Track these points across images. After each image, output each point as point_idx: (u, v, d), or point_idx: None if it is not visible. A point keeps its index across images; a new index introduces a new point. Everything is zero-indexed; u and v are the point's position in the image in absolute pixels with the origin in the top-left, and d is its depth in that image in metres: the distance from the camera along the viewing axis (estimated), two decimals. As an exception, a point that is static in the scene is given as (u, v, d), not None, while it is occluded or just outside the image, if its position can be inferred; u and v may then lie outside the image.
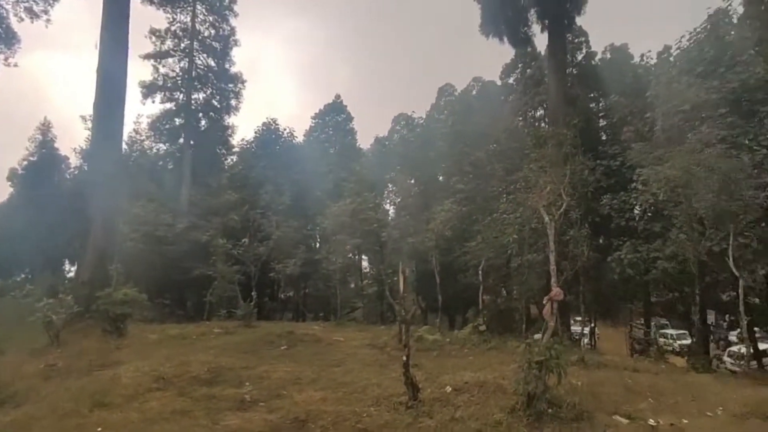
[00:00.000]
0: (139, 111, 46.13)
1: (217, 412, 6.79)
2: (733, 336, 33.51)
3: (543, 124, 31.32)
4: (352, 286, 32.34)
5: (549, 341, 6.40)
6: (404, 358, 6.72)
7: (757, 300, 18.22)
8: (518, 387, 6.41)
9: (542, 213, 7.07)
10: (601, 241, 20.74)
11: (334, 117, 37.80)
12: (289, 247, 24.38)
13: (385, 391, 7.62)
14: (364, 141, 43.52)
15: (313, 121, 37.44)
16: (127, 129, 37.59)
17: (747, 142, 15.59)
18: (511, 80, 44.18)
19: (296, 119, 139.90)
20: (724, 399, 7.96)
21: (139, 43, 34.35)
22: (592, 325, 34.58)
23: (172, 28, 33.58)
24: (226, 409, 6.91)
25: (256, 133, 33.55)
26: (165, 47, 33.84)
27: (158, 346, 11.96)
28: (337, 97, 38.04)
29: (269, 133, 33.25)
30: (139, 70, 39.48)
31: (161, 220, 23.70)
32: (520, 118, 38.83)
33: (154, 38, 33.44)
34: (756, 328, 18.67)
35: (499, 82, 44.88)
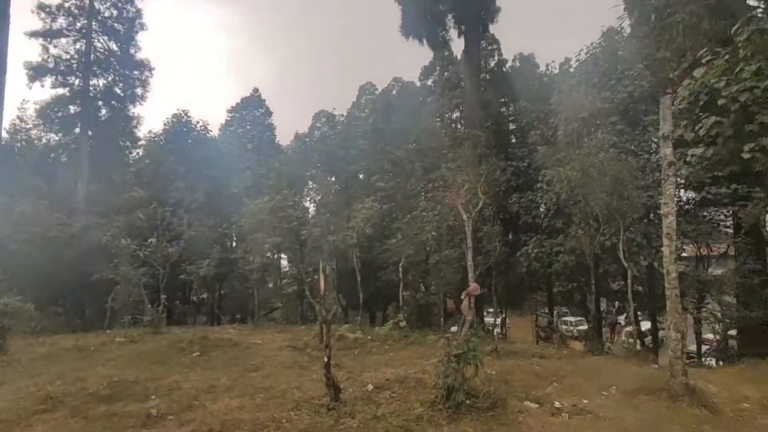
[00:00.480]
0: (25, 96, 40.77)
1: (117, 432, 6.14)
2: (621, 320, 37.63)
3: (459, 126, 32.61)
4: (271, 285, 31.25)
5: (467, 334, 6.59)
6: (325, 358, 6.56)
7: (640, 288, 20.51)
8: (438, 381, 6.53)
9: (460, 210, 7.27)
10: (510, 237, 22.10)
11: (252, 111, 36.18)
12: (203, 247, 22.97)
13: (306, 393, 7.40)
14: (284, 137, 42.34)
15: (230, 114, 35.55)
16: (9, 115, 33.19)
17: (633, 147, 17.44)
18: (429, 82, 45.52)
19: (214, 112, 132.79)
20: (616, 378, 8.76)
21: (25, 17, 30.36)
22: (503, 315, 36.79)
23: (66, 5, 30.02)
24: (129, 427, 6.26)
25: (165, 125, 31.03)
26: (57, 26, 30.18)
27: (48, 361, 10.61)
28: (255, 90, 36.48)
29: (180, 125, 30.96)
30: (23, 49, 34.87)
31: (54, 219, 21.12)
32: (438, 120, 40.10)
33: (43, 14, 29.72)
34: (639, 312, 21.05)
35: (418, 84, 46.04)
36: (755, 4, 14.29)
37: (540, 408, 7.07)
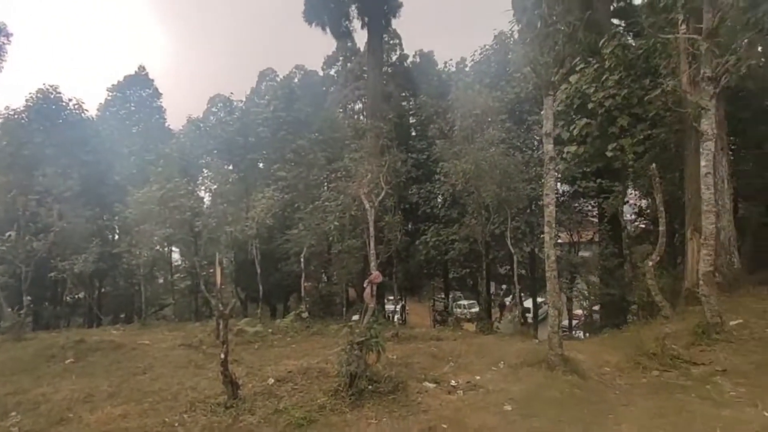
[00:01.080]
0: None
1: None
2: (508, 300, 41.18)
3: (362, 117, 32.81)
4: (161, 281, 28.80)
5: (369, 321, 6.65)
6: (222, 355, 6.18)
7: (524, 271, 22.57)
8: (341, 369, 6.51)
9: (363, 200, 7.29)
10: (410, 226, 22.88)
11: (137, 91, 32.57)
12: (80, 241, 20.32)
13: (202, 393, 6.93)
14: (176, 122, 39.02)
15: (110, 93, 31.60)
16: None
17: (519, 144, 19.00)
18: (332, 72, 45.08)
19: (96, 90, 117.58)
20: (504, 354, 9.51)
21: None
22: (403, 302, 38.09)
23: None
24: (-20, 451, 5.34)
25: (27, 101, 26.61)
26: None
27: None
28: (141, 68, 32.85)
29: (48, 102, 26.80)
30: None
31: None
32: (341, 110, 39.88)
33: None
34: (523, 293, 23.20)
35: (321, 73, 45.28)
36: (618, 22, 16.39)
37: (438, 387, 7.42)
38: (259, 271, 16.44)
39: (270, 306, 26.28)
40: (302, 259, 15.38)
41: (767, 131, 13.02)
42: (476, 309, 32.02)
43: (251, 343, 10.45)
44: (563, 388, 6.80)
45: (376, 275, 6.47)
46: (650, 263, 7.97)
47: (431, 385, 7.44)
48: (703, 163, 8.64)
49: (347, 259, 19.00)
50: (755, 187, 14.61)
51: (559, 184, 19.60)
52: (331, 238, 15.89)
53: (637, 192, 19.44)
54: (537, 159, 17.23)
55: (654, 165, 8.24)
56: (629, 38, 13.31)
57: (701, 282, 8.45)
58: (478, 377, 7.93)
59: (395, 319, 29.79)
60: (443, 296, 26.84)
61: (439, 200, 22.72)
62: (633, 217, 21.15)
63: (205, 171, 24.55)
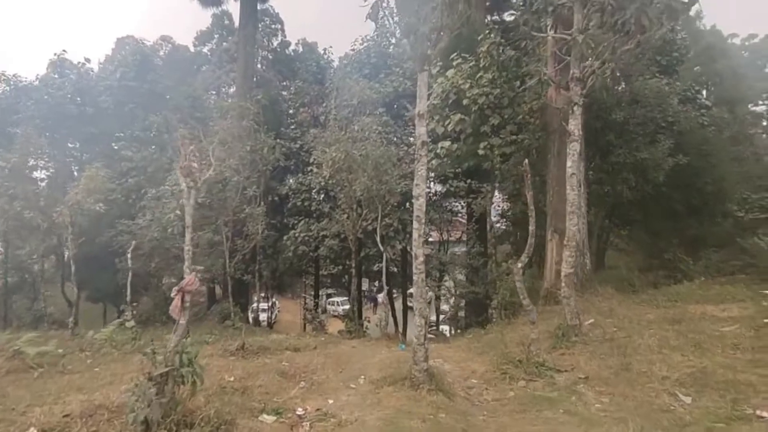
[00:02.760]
0: None
1: None
2: (380, 297, 41.08)
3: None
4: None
5: (178, 344, 4.71)
6: None
7: (396, 269, 21.99)
8: (129, 415, 4.47)
9: (180, 179, 5.32)
10: (280, 220, 20.71)
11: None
12: None
13: None
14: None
15: None
16: None
17: (395, 139, 18.20)
18: (205, 50, 40.52)
19: None
20: (366, 366, 8.23)
21: None
22: (273, 300, 35.55)
23: None
24: None
25: None
26: None
27: None
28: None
29: None
30: None
31: None
32: (214, 92, 36.01)
33: None
34: (394, 291, 22.66)
35: (192, 49, 40.52)
36: (493, 18, 16.44)
37: (278, 420, 5.74)
38: (74, 269, 12.66)
39: (118, 309, 21.91)
40: (128, 255, 12.22)
41: (614, 141, 13.88)
42: (348, 306, 31.09)
43: (32, 369, 7.54)
44: (427, 413, 5.64)
45: (189, 280, 4.59)
46: (519, 264, 7.29)
47: (270, 419, 5.74)
48: (569, 163, 8.32)
49: (209, 254, 16.22)
50: (598, 194, 15.72)
51: (432, 183, 19.32)
52: (170, 230, 13.05)
53: (501, 194, 20.03)
54: (412, 155, 16.53)
55: (527, 161, 7.62)
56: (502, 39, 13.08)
57: (564, 284, 8.11)
58: (331, 401, 6.45)
59: (265, 318, 27.35)
60: (314, 294, 25.09)
61: (313, 194, 21.03)
62: (497, 218, 21.89)
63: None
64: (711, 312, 8.84)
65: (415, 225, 6.34)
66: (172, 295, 4.63)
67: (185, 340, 4.94)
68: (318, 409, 6.12)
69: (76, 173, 21.98)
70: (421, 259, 6.24)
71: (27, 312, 19.24)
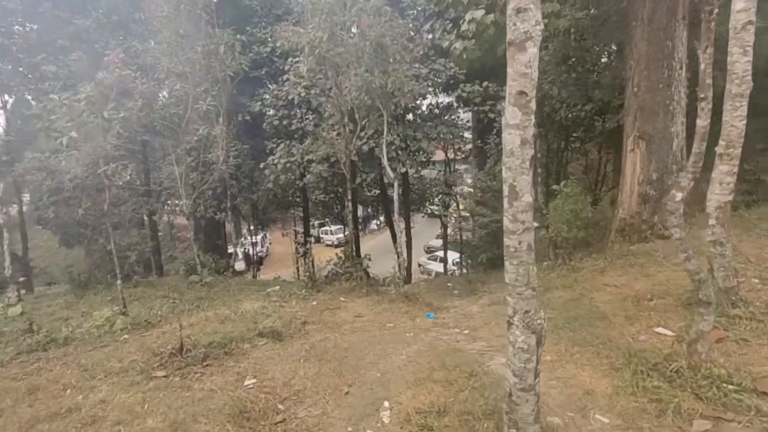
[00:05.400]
0: None
1: None
2: (373, 224, 38.05)
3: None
4: None
5: None
6: None
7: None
8: None
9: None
10: (254, 145, 16.42)
11: None
12: None
13: None
14: None
15: None
16: None
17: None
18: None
19: None
20: (387, 369, 4.94)
21: None
22: (264, 233, 32.10)
23: None
24: None
25: None
26: None
27: None
28: None
29: None
30: None
31: None
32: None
33: None
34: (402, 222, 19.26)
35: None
36: None
37: None
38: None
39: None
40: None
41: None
42: (342, 235, 27.91)
43: None
44: None
45: None
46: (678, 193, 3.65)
47: None
48: (739, 4, 4.28)
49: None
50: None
51: (436, 92, 14.98)
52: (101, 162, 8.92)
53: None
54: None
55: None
56: None
57: (714, 219, 4.54)
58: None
59: (254, 255, 24.19)
60: (305, 231, 21.51)
61: (294, 110, 16.51)
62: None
63: None
64: None
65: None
66: None
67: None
68: None
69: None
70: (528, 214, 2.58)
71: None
